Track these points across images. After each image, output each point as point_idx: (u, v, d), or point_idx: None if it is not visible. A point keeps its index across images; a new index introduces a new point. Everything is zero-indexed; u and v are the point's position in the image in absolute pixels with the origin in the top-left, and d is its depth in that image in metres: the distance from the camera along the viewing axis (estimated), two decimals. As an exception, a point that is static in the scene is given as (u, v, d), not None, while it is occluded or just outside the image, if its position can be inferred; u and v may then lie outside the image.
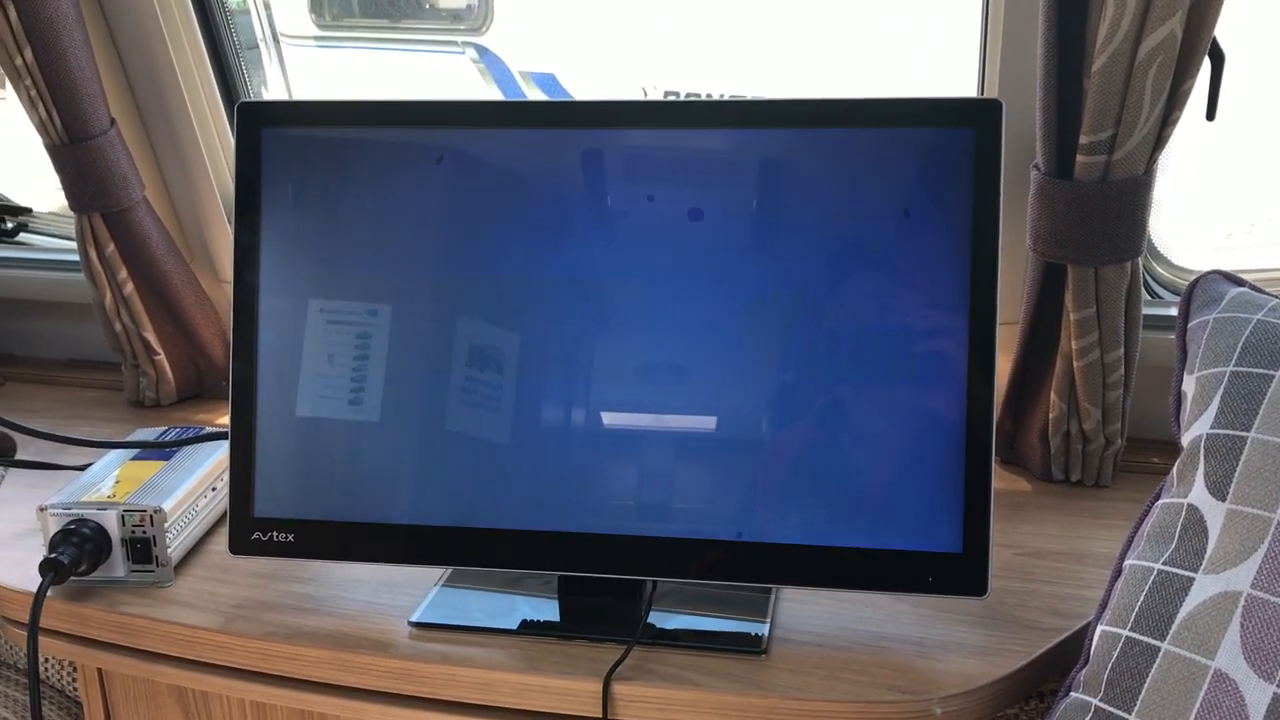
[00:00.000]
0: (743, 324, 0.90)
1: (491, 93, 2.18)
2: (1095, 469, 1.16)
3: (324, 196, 0.95)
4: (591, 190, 0.92)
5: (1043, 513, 1.12)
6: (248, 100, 0.98)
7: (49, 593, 0.99)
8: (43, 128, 1.31)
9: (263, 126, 0.96)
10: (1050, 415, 1.14)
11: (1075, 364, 1.09)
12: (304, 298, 0.96)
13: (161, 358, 1.45)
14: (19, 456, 1.32)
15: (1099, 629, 0.83)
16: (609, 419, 0.92)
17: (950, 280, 0.88)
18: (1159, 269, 1.24)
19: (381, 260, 0.95)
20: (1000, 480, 1.19)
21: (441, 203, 0.94)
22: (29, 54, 1.24)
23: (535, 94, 2.20)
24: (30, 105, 1.29)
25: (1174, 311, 1.19)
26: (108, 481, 1.07)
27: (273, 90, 1.58)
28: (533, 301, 0.93)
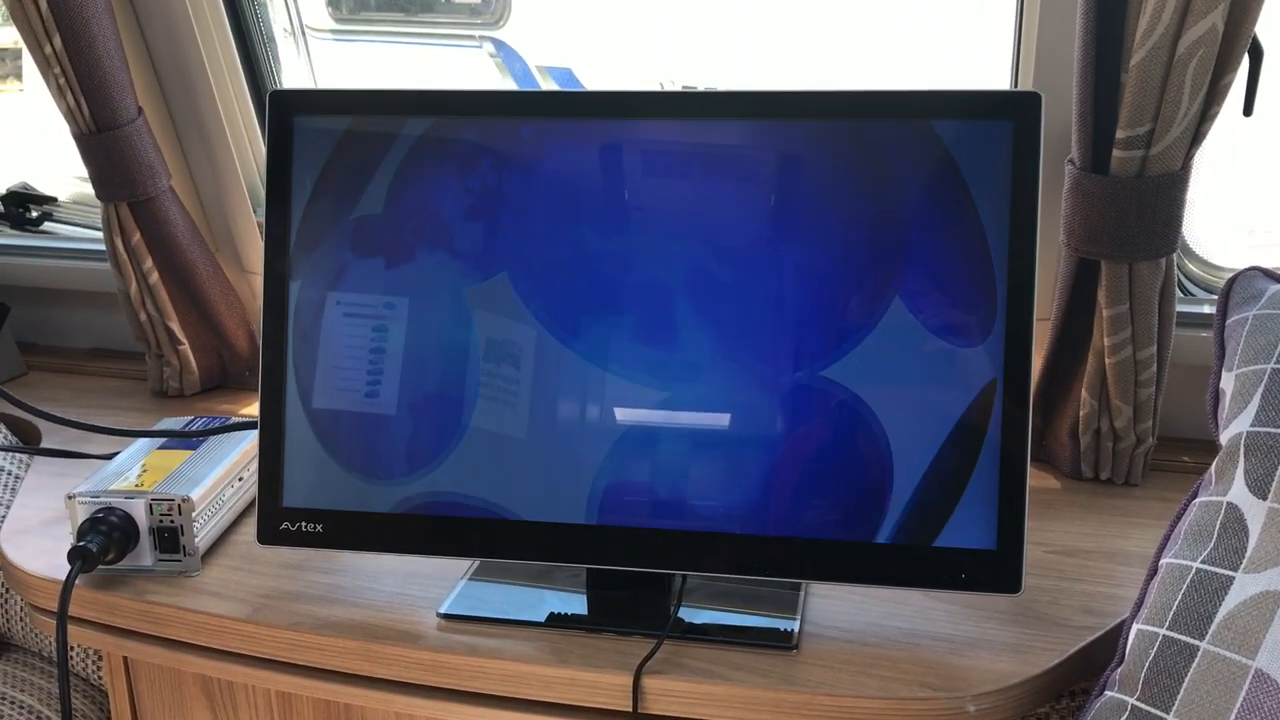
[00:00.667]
0: (774, 323, 0.90)
1: (509, 86, 2.17)
2: (1125, 467, 1.15)
3: (348, 187, 0.95)
4: (610, 183, 0.92)
5: (1073, 510, 1.11)
6: (279, 89, 0.97)
7: (76, 581, 0.99)
8: (71, 116, 1.31)
9: (295, 115, 0.96)
10: (1081, 412, 1.13)
11: (1107, 361, 1.08)
12: (328, 290, 0.96)
13: (186, 347, 1.45)
14: (43, 444, 1.32)
15: (1135, 627, 0.83)
16: (630, 415, 0.92)
17: (985, 276, 0.87)
18: (1191, 266, 1.23)
19: (403, 252, 0.94)
20: (1030, 478, 1.17)
21: (461, 195, 0.93)
22: (58, 42, 1.25)
23: (553, 88, 2.20)
24: (59, 94, 1.29)
25: (1207, 309, 1.19)
26: (134, 470, 1.07)
27: (297, 83, 1.58)
28: (551, 294, 0.92)
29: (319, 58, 1.65)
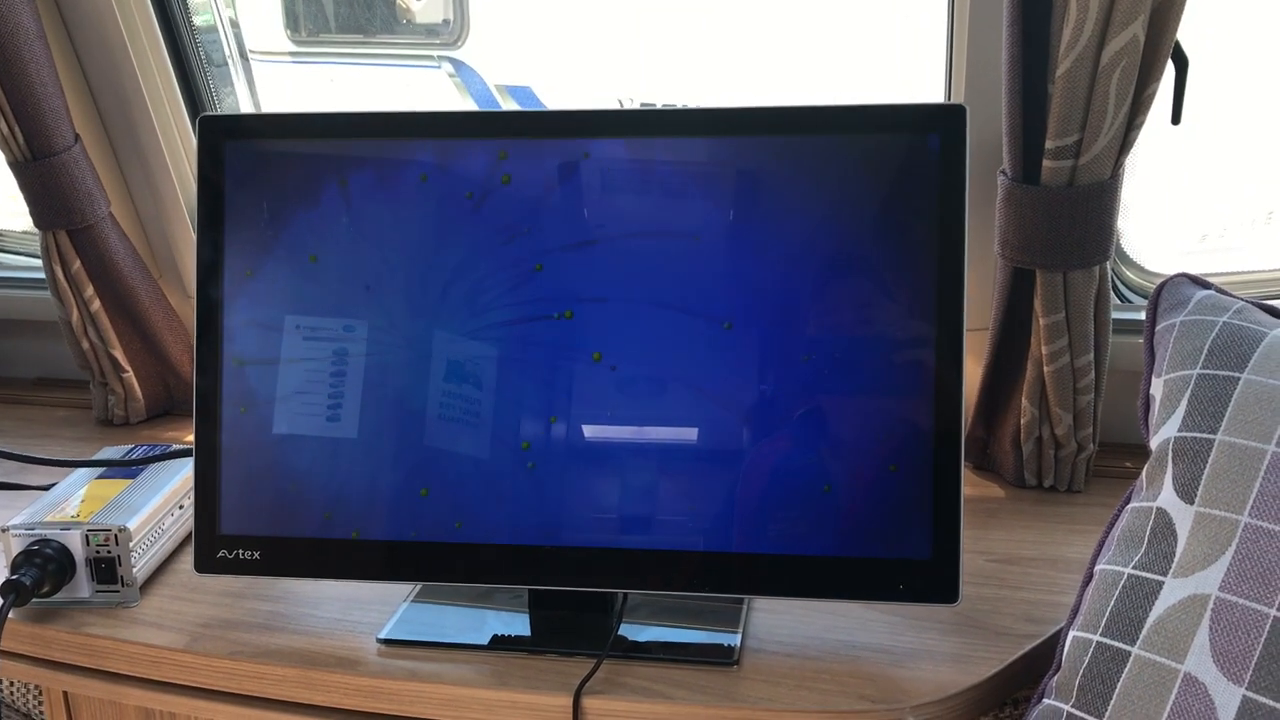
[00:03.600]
0: (716, 336, 0.90)
1: (468, 106, 2.17)
2: (1068, 474, 1.16)
3: (293, 211, 0.95)
4: (568, 201, 0.91)
5: (1016, 519, 1.12)
6: (209, 114, 0.97)
7: (10, 615, 0.97)
8: (5, 144, 1.30)
9: (226, 140, 0.95)
10: (1022, 421, 1.14)
11: (1046, 369, 1.09)
12: (278, 314, 0.95)
13: (130, 375, 1.43)
14: (-16, 477, 1.30)
15: (1070, 634, 0.83)
16: (585, 432, 0.92)
17: (918, 287, 0.88)
18: (1128, 273, 1.25)
19: (356, 276, 0.94)
20: (973, 487, 1.18)
21: (414, 216, 0.93)
22: (-10, 70, 1.23)
23: (512, 107, 2.20)
24: (-8, 121, 1.28)
25: (1143, 316, 1.19)
26: (73, 501, 1.06)
27: (241, 108, 1.57)
28: (510, 315, 0.92)
29: (278, 81, 1.65)
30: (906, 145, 0.88)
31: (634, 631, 0.95)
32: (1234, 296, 0.89)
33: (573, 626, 0.95)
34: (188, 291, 1.50)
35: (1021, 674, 0.91)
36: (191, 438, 1.39)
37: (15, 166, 1.32)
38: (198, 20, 1.42)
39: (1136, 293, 1.24)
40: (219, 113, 1.42)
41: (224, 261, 0.96)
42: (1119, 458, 1.20)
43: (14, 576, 0.97)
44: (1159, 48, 0.95)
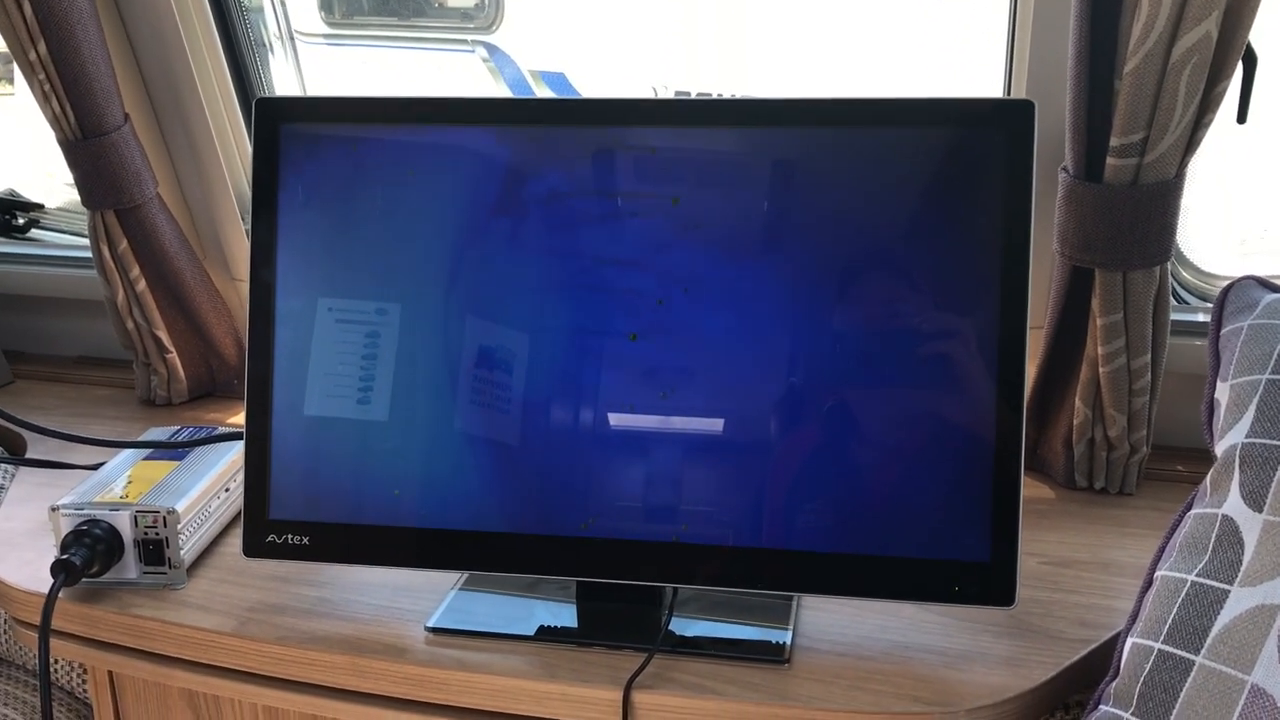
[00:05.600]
0: (767, 329, 0.89)
1: (501, 92, 2.17)
2: (1119, 477, 1.14)
3: (337, 194, 0.94)
4: (602, 190, 0.91)
5: (1066, 521, 1.10)
6: (266, 96, 0.96)
7: (60, 594, 0.97)
8: (56, 123, 1.30)
9: (281, 123, 0.95)
10: (1075, 422, 1.12)
11: (1101, 370, 1.08)
12: (318, 297, 0.95)
13: (173, 356, 1.44)
14: (29, 455, 1.31)
15: (1130, 641, 0.82)
16: (623, 421, 0.91)
17: (978, 285, 0.86)
18: (1185, 274, 1.23)
19: (391, 259, 0.93)
20: (1024, 488, 1.17)
21: (452, 201, 0.92)
22: (43, 48, 1.23)
23: (545, 93, 2.19)
24: (44, 100, 1.28)
25: (1201, 318, 1.18)
26: (120, 482, 1.06)
27: (286, 89, 1.57)
28: (545, 302, 0.91)
29: (312, 63, 1.64)
30: (971, 140, 0.86)
31: (683, 626, 0.94)
32: (1304, 301, 0.87)
33: (620, 620, 0.94)
34: (233, 274, 1.50)
35: (1076, 679, 0.89)
36: (235, 420, 1.40)
37: (65, 145, 1.32)
38: (245, 0, 1.41)
39: (1194, 294, 1.22)
40: (275, 94, 1.41)
41: (277, 245, 0.95)
42: (1171, 461, 1.18)
43: (64, 556, 0.97)
44: (1232, 45, 0.93)
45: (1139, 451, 1.13)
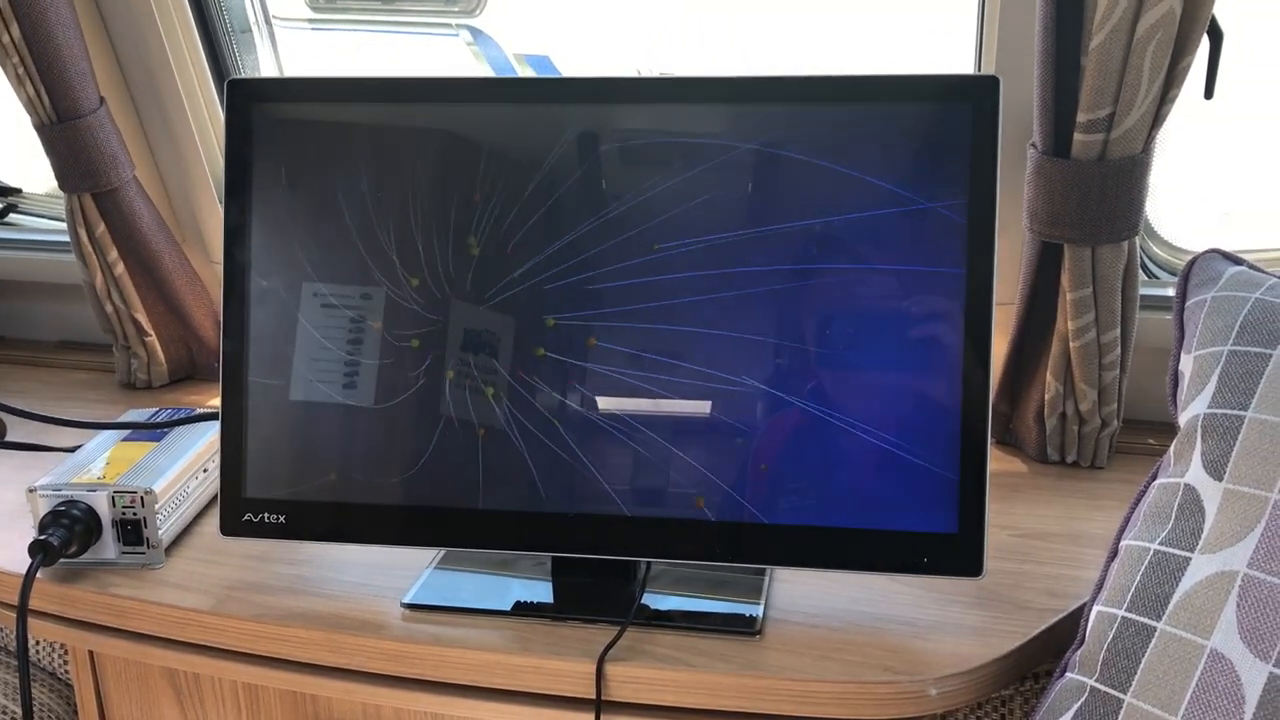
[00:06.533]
0: (737, 306, 0.90)
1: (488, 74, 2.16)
2: (1091, 450, 1.15)
3: (316, 177, 0.94)
4: (584, 169, 0.91)
5: (1038, 494, 1.12)
6: (238, 77, 0.97)
7: (39, 574, 0.98)
8: (31, 106, 1.30)
9: (254, 104, 0.95)
10: (1046, 396, 1.13)
11: (1071, 344, 1.09)
12: (298, 280, 0.95)
13: (153, 339, 1.44)
14: (8, 438, 1.31)
15: (1095, 609, 0.83)
16: (603, 403, 0.92)
17: (946, 260, 0.87)
18: (1155, 249, 1.24)
19: (368, 241, 0.94)
20: (996, 462, 1.18)
21: (433, 183, 0.93)
22: (15, 31, 1.23)
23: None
24: (18, 83, 1.28)
25: (1171, 292, 1.18)
26: (98, 463, 1.06)
27: (265, 73, 1.57)
28: (526, 282, 0.92)
29: (296, 47, 1.64)
30: (937, 116, 0.87)
31: (656, 601, 0.95)
32: (1266, 273, 0.88)
33: (595, 595, 0.95)
34: (211, 256, 1.50)
35: (1044, 648, 0.91)
36: (214, 402, 1.40)
37: (41, 129, 1.32)
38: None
39: (1163, 268, 1.24)
40: (247, 75, 1.41)
41: (251, 226, 0.96)
42: (1142, 434, 1.20)
43: (42, 536, 0.97)
44: (1195, 20, 0.94)
45: (1110, 425, 1.14)
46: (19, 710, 1.18)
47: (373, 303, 0.95)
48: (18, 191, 1.66)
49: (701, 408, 0.91)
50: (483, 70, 2.17)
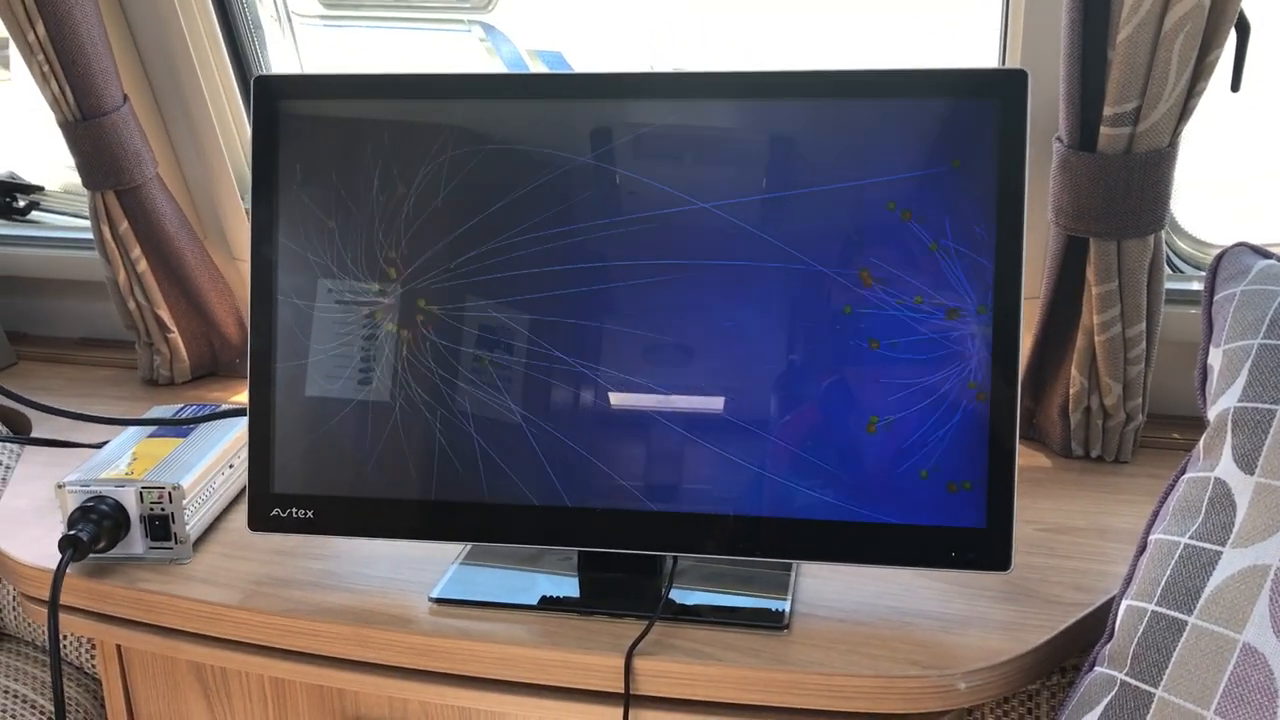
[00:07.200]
0: (758, 301, 0.90)
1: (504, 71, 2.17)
2: (1115, 444, 1.15)
3: (336, 173, 0.95)
4: (600, 165, 0.91)
5: (1063, 488, 1.11)
6: (264, 74, 0.97)
7: (68, 570, 0.98)
8: (55, 104, 1.30)
9: (280, 100, 0.95)
10: (1071, 390, 1.13)
11: (1096, 339, 1.08)
12: (322, 276, 0.96)
13: (175, 335, 1.45)
14: (34, 434, 1.32)
15: (1124, 603, 0.83)
16: (622, 399, 0.92)
17: (973, 254, 0.87)
18: (1180, 243, 1.23)
19: (394, 238, 0.94)
20: (1020, 456, 1.17)
21: (452, 180, 0.93)
22: (41, 29, 1.24)
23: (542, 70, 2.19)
24: (43, 81, 1.28)
25: (1195, 286, 1.19)
26: (125, 459, 1.07)
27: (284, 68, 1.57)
28: (543, 280, 0.92)
29: (308, 43, 1.65)
30: (965, 110, 0.87)
31: (683, 595, 0.95)
32: (1296, 266, 0.88)
33: (621, 589, 0.96)
34: (233, 253, 1.51)
35: (1072, 642, 0.91)
36: (237, 397, 1.41)
37: (65, 126, 1.32)
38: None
39: (1189, 263, 1.23)
40: (273, 72, 1.42)
41: (278, 222, 0.96)
42: (1166, 429, 1.19)
43: (71, 532, 0.98)
44: (1224, 13, 0.93)
45: (1135, 419, 1.14)
46: (47, 704, 1.19)
47: (391, 299, 0.95)
48: (40, 189, 1.67)
49: (725, 402, 0.91)
50: (496, 66, 2.17)
